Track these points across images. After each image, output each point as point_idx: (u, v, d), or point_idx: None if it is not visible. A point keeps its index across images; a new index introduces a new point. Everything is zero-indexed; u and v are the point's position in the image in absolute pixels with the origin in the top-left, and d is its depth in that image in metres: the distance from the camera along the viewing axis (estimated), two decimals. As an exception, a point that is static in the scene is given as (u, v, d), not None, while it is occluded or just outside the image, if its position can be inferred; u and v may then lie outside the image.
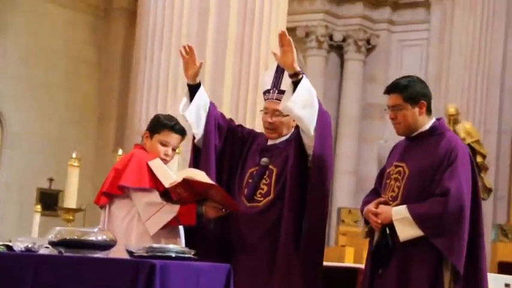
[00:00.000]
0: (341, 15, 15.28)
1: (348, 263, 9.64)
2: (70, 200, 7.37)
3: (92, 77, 15.85)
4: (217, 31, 7.76)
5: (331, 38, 15.23)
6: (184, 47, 4.80)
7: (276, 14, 8.06)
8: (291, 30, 13.05)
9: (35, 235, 7.88)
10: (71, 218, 7.43)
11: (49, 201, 13.03)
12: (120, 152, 7.43)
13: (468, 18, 13.61)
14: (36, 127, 14.81)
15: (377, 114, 15.07)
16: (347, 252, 10.32)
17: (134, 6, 15.54)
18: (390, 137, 14.91)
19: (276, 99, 4.70)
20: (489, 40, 13.61)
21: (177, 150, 4.82)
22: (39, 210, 8.40)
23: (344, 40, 15.27)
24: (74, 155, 7.37)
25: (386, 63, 15.21)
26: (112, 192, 4.47)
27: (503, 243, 11.63)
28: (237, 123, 5.06)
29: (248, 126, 5.60)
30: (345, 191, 14.52)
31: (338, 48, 15.38)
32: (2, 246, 3.75)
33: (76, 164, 7.32)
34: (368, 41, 15.24)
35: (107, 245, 3.54)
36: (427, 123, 4.43)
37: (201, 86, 4.83)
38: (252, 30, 7.86)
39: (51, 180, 14.67)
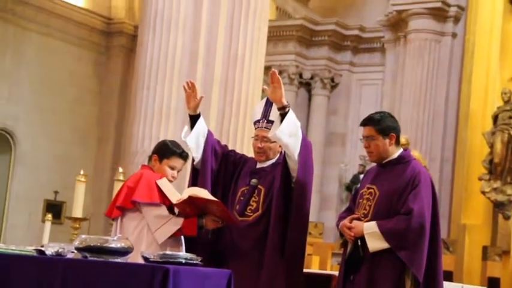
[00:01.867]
0: (309, 56, 15.39)
1: (314, 269, 9.67)
2: (77, 211, 7.33)
3: (93, 105, 15.85)
4: (205, 69, 7.79)
5: (300, 76, 15.32)
6: (187, 83, 4.80)
7: (256, 55, 8.12)
8: (267, 68, 13.10)
9: (45, 241, 7.79)
10: (78, 226, 7.38)
11: (54, 211, 12.92)
12: (120, 169, 7.43)
13: (417, 63, 13.78)
14: (44, 146, 14.76)
15: (339, 142, 15.16)
16: (313, 260, 10.35)
17: (131, 45, 15.63)
18: (349, 162, 15.04)
19: (265, 127, 4.72)
20: (434, 82, 13.77)
21: None
22: (50, 219, 8.29)
23: (312, 78, 15.36)
24: (82, 172, 7.37)
25: (347, 99, 15.31)
26: (125, 206, 4.46)
27: (445, 255, 11.73)
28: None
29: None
30: (311, 207, 14.53)
31: (306, 85, 15.47)
32: (33, 251, 3.75)
33: (83, 179, 7.30)
34: (332, 79, 15.35)
35: (125, 251, 3.53)
36: (396, 153, 4.43)
37: (201, 116, 4.85)
38: (235, 69, 7.90)
39: (56, 192, 14.59)
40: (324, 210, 14.66)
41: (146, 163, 4.80)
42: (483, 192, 12.74)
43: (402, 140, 12.22)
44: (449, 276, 10.81)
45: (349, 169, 14.70)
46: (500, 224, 12.68)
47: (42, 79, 14.66)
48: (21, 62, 14.42)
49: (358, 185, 4.74)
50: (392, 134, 4.42)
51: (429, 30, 13.78)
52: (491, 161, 12.76)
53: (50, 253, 3.59)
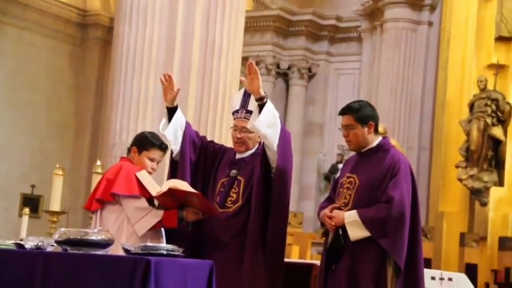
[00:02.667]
0: (287, 47, 15.38)
1: (294, 259, 9.70)
2: (54, 204, 7.27)
3: (69, 98, 15.73)
4: (182, 60, 7.75)
5: (278, 66, 15.31)
6: (164, 75, 4.76)
7: (233, 46, 8.08)
8: (244, 59, 13.08)
9: (23, 235, 7.73)
10: (55, 219, 7.32)
11: (31, 205, 12.82)
12: (98, 162, 7.38)
13: (393, 52, 13.83)
14: (20, 140, 14.63)
15: (317, 132, 15.18)
16: (293, 250, 10.37)
17: (107, 37, 15.52)
18: (327, 152, 15.07)
19: (244, 117, 4.70)
20: (411, 71, 13.83)
21: None
22: (27, 213, 8.24)
23: (289, 68, 15.36)
24: (57, 165, 7.32)
25: (325, 88, 15.32)
26: (105, 199, 4.42)
27: (423, 242, 11.71)
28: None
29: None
30: (290, 197, 14.55)
31: (284, 75, 15.46)
32: (12, 244, 3.71)
33: (60, 173, 7.25)
34: (309, 69, 15.35)
35: (106, 244, 3.50)
36: (375, 141, 4.43)
37: (178, 108, 4.82)
38: (212, 60, 7.86)
39: (33, 186, 14.48)
40: (303, 200, 14.69)
41: (125, 155, 4.76)
42: (460, 180, 12.83)
43: (380, 129, 12.32)
44: (427, 263, 10.88)
45: (328, 159, 14.73)
46: (477, 211, 12.78)
47: (17, 72, 14.53)
48: (-5, 54, 14.29)
49: (337, 175, 4.74)
50: (371, 122, 4.41)
51: (405, 19, 13.83)
52: (467, 149, 12.85)
53: (30, 247, 3.55)
